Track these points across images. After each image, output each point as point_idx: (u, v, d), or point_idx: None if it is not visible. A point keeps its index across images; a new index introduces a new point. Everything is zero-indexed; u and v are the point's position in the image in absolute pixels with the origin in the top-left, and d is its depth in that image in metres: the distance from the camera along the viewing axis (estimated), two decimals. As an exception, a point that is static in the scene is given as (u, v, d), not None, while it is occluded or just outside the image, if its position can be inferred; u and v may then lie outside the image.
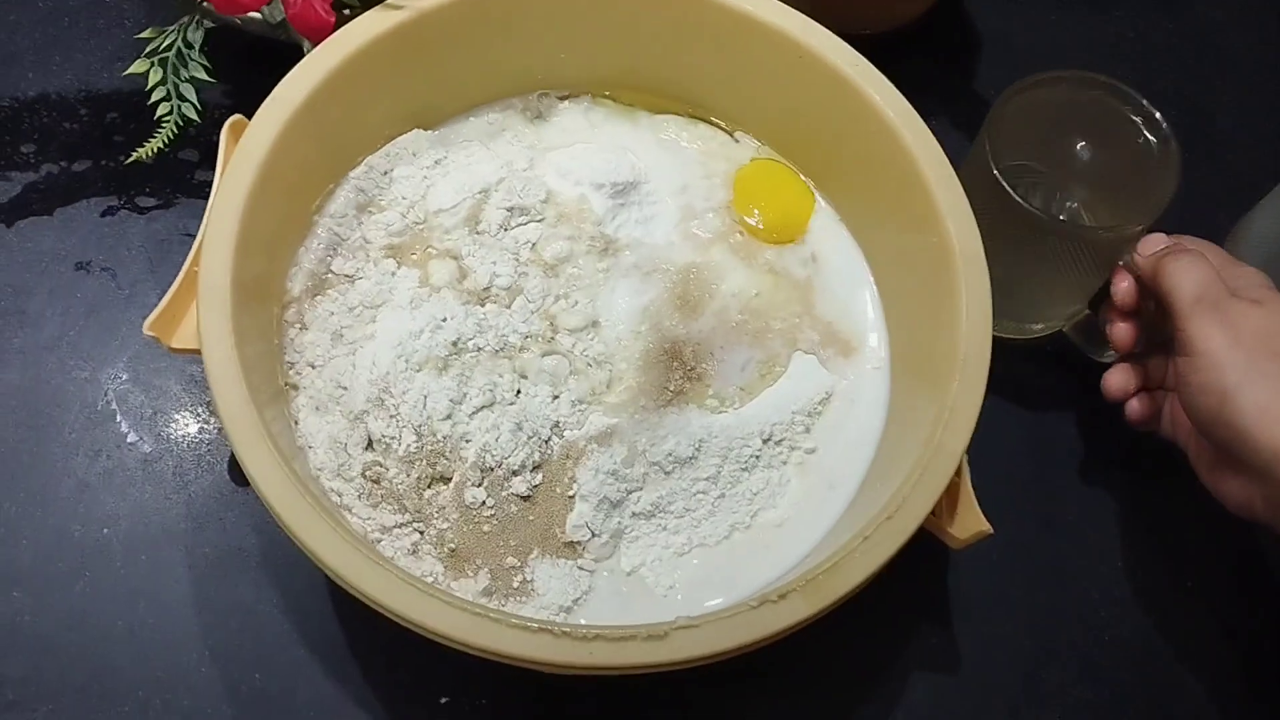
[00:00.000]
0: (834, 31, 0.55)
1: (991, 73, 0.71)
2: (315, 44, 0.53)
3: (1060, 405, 0.61)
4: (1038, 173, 0.57)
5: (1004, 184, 0.53)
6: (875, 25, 0.67)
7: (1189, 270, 0.49)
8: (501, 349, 0.52)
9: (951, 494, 0.48)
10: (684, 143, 0.60)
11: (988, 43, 0.72)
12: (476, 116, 0.59)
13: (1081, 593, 0.57)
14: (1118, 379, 0.55)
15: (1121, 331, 0.54)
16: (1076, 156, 0.57)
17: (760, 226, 0.57)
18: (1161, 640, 0.56)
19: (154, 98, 0.57)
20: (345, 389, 0.50)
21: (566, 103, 0.60)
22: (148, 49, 0.57)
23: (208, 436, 0.56)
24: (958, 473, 0.47)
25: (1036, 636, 0.56)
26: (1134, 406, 0.55)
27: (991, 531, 0.48)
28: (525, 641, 0.42)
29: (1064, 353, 0.61)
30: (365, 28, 0.52)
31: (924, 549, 0.47)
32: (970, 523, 0.48)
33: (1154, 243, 0.52)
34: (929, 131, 0.53)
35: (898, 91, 0.54)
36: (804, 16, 0.55)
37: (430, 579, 0.47)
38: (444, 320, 0.51)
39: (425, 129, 0.58)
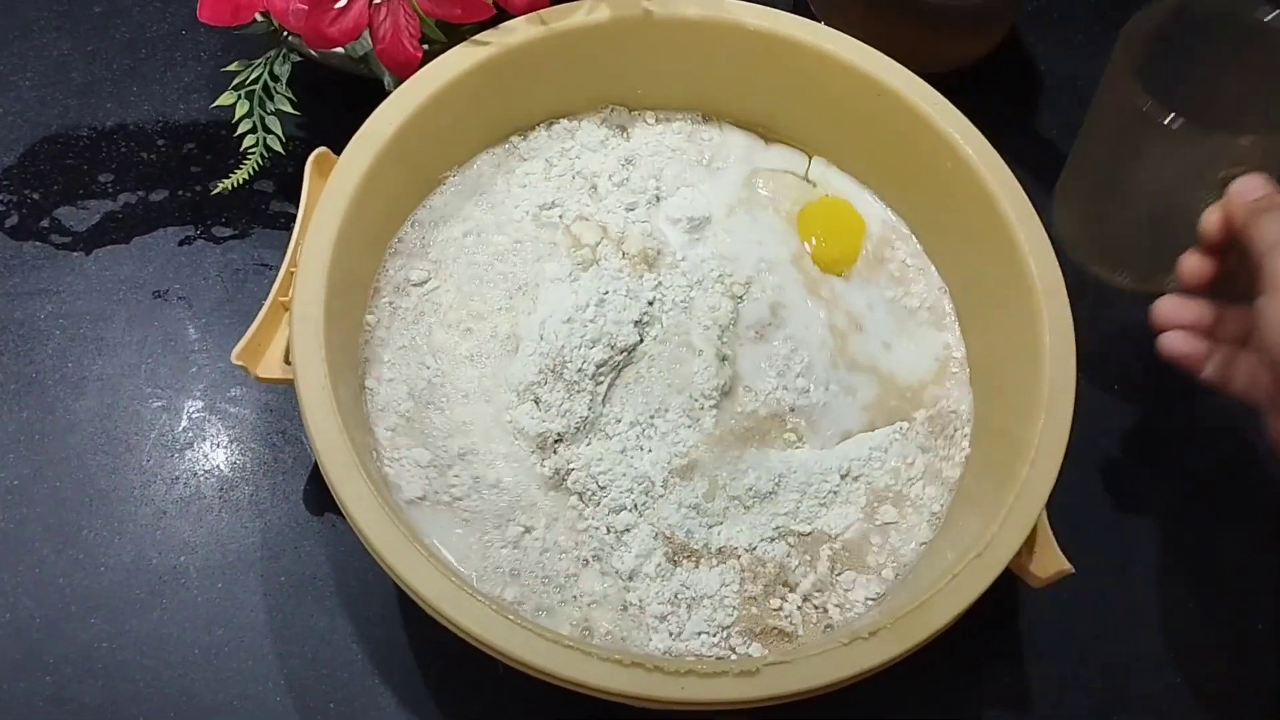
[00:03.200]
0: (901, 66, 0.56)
1: (1053, 112, 0.71)
2: (400, 79, 0.53)
3: (1138, 443, 0.61)
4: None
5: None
6: (940, 65, 0.67)
7: (1274, 224, 0.47)
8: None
9: (1032, 531, 0.48)
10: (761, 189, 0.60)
11: (1049, 82, 0.72)
12: (550, 130, 0.60)
13: (1156, 637, 0.56)
14: (1170, 304, 0.51)
15: (1194, 264, 0.51)
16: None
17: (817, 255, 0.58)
18: (1235, 689, 0.56)
19: (240, 129, 0.58)
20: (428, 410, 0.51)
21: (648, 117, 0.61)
22: (235, 82, 0.58)
23: (284, 465, 0.57)
24: (1038, 510, 0.47)
25: (1109, 680, 0.55)
26: (1176, 339, 0.51)
27: (1072, 570, 0.48)
28: (617, 676, 0.42)
29: (1143, 390, 0.61)
30: (452, 63, 0.53)
31: (996, 587, 0.47)
32: (1050, 561, 0.48)
33: (1253, 187, 0.49)
34: (1006, 167, 0.54)
35: (975, 128, 0.54)
36: (883, 55, 0.56)
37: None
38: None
39: (497, 147, 0.58)
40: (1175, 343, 0.51)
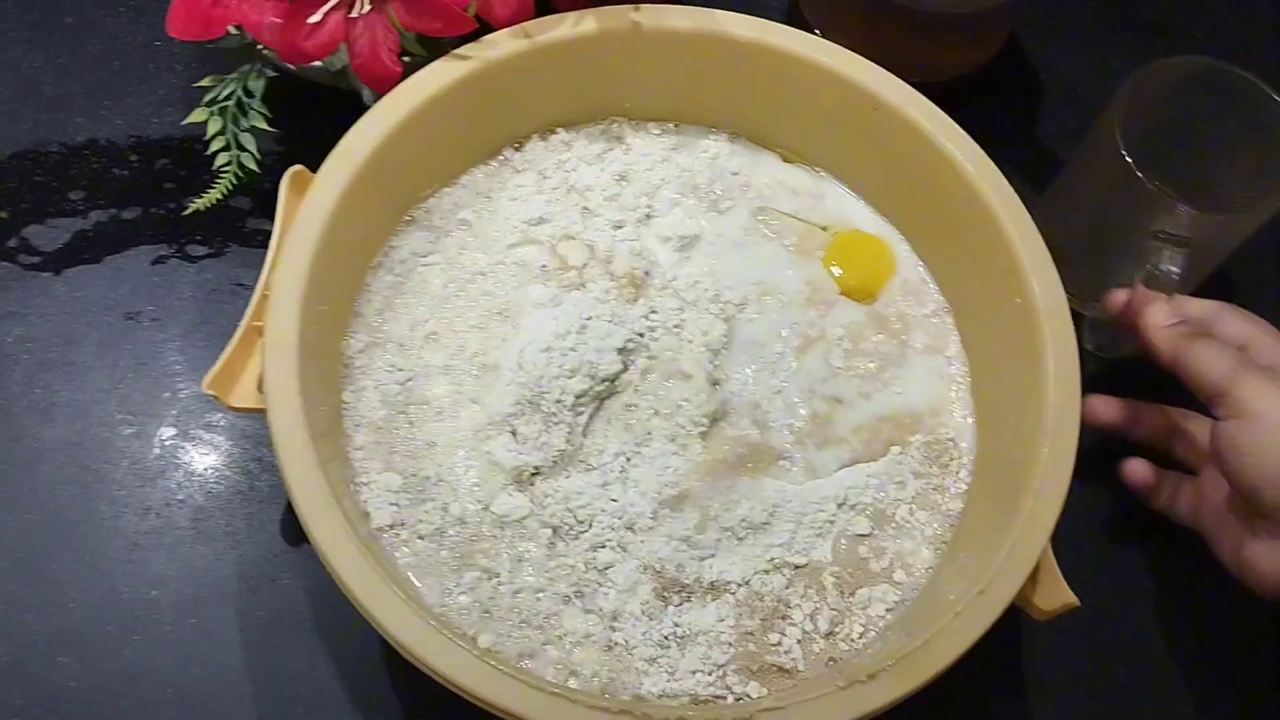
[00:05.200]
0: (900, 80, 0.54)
1: (1055, 120, 0.70)
2: (379, 94, 0.51)
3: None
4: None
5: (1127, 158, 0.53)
6: (939, 74, 0.66)
7: (1216, 355, 0.48)
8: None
9: (1036, 564, 0.46)
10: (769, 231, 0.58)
11: (1048, 90, 0.71)
12: (546, 140, 0.58)
13: (1162, 669, 0.55)
14: (1141, 470, 0.55)
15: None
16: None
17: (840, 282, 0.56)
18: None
19: (213, 147, 0.56)
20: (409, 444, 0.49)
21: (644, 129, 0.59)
22: (207, 98, 0.56)
23: (260, 493, 0.55)
24: (1043, 543, 0.46)
25: (1115, 713, 0.54)
26: (1138, 470, 0.55)
27: (1078, 604, 0.46)
28: (604, 723, 0.40)
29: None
30: (432, 78, 0.51)
31: (1000, 620, 0.45)
32: (1056, 594, 0.46)
33: (1160, 314, 0.51)
34: (1007, 184, 0.52)
35: (976, 145, 0.53)
36: (880, 69, 0.54)
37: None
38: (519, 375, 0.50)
39: (490, 161, 0.56)
40: (1141, 475, 0.55)
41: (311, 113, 0.59)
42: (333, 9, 0.50)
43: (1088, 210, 0.59)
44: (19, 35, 0.66)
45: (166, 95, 0.64)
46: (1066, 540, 0.47)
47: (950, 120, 0.53)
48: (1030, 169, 0.66)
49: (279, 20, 0.51)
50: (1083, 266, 0.58)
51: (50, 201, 0.61)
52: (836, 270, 0.56)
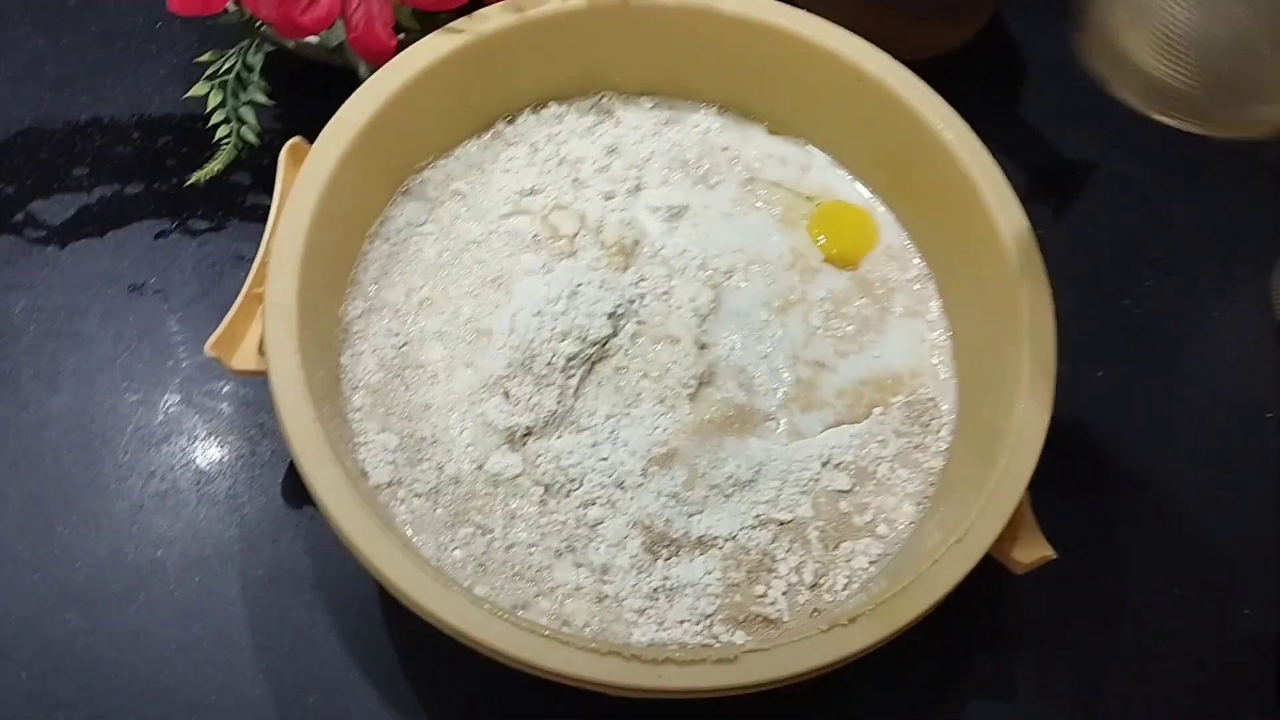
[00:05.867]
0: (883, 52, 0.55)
1: (1037, 98, 0.71)
2: (375, 67, 0.53)
3: (1123, 428, 0.61)
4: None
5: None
6: (923, 51, 0.67)
7: None
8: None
9: (1014, 517, 0.48)
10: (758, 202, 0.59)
11: (1032, 68, 0.72)
12: (538, 114, 0.59)
13: (1140, 622, 0.56)
14: None
15: None
16: None
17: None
18: (1220, 674, 0.55)
19: (214, 120, 0.57)
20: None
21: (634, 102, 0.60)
22: (208, 72, 0.57)
23: (261, 458, 0.56)
24: (1020, 496, 0.47)
25: (1093, 665, 0.55)
26: None
27: (1055, 556, 0.48)
28: (595, 665, 0.41)
29: (1128, 375, 0.61)
30: (426, 51, 0.53)
31: (980, 574, 0.46)
32: (1034, 547, 0.48)
33: None
34: (987, 153, 0.53)
35: (957, 115, 0.54)
36: (863, 41, 0.55)
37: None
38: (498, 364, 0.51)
39: (483, 134, 0.58)
40: None
41: (309, 89, 0.60)
42: (329, -16, 0.52)
43: None
44: (23, 17, 0.67)
45: (167, 74, 0.66)
46: (1047, 496, 0.49)
47: (931, 90, 0.54)
48: (1013, 146, 0.68)
49: (277, -5, 0.52)
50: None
51: (55, 177, 0.62)
52: (821, 239, 0.58)
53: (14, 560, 0.53)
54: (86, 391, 0.57)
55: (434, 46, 0.53)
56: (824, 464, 0.52)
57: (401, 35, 0.54)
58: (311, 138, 0.52)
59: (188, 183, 0.59)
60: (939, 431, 0.53)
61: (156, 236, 0.61)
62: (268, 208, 0.51)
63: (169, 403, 0.57)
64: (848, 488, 0.52)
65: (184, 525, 0.54)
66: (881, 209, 0.59)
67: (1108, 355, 0.62)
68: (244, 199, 0.63)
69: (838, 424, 0.53)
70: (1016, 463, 0.47)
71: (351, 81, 0.57)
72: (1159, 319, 0.64)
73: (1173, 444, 0.60)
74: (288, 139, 0.53)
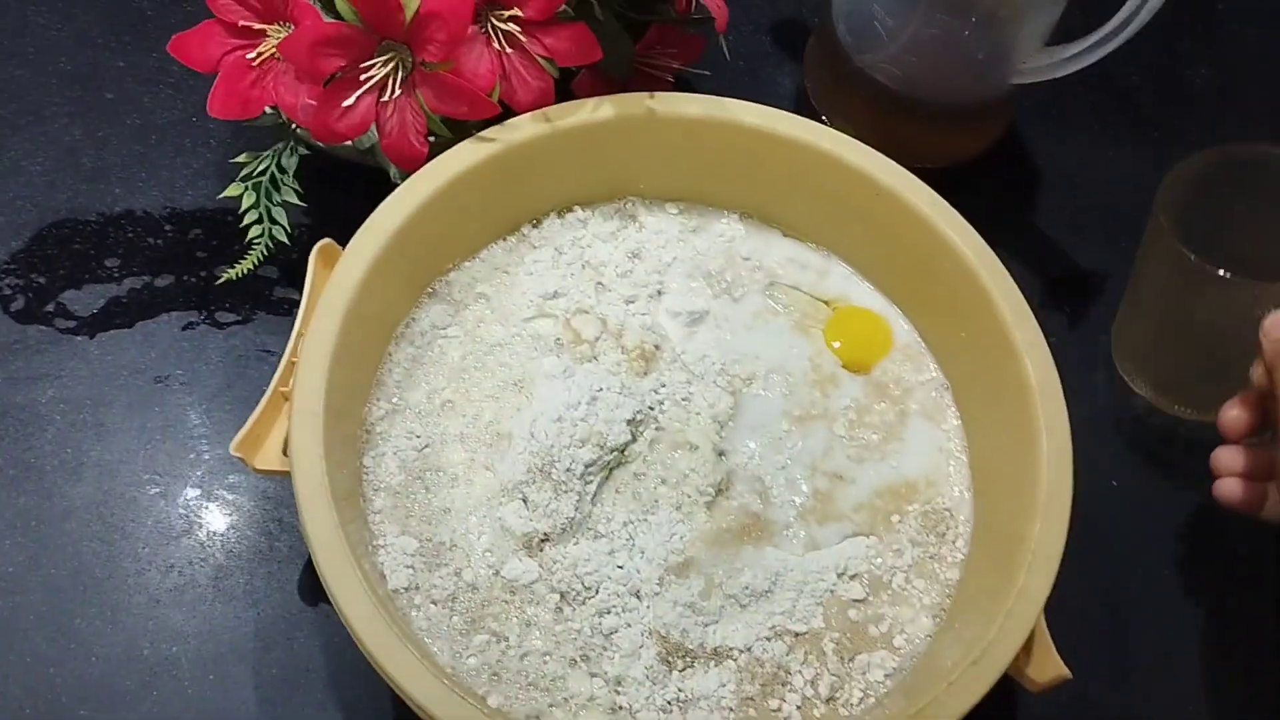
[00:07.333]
0: (904, 167, 0.57)
1: (1051, 207, 0.72)
2: (407, 173, 0.54)
3: (1139, 545, 0.61)
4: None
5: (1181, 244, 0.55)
6: (942, 159, 0.69)
7: None
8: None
9: (1030, 636, 0.48)
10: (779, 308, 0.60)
11: (1048, 177, 0.73)
12: (563, 218, 0.60)
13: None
14: (1225, 454, 0.53)
15: (1233, 417, 0.53)
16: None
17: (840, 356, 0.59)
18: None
19: (246, 220, 0.58)
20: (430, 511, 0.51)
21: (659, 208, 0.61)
22: (242, 173, 0.59)
23: (279, 554, 0.56)
24: (1036, 614, 0.47)
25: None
26: (1230, 486, 0.53)
27: (1070, 676, 0.47)
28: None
29: (1144, 493, 0.61)
30: (457, 159, 0.54)
31: (993, 690, 0.46)
32: (1049, 666, 0.48)
33: (1277, 325, 0.50)
34: (1003, 268, 0.54)
35: (972, 229, 0.55)
36: (880, 155, 0.57)
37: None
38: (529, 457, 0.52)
39: (508, 237, 0.59)
40: (1229, 490, 0.53)
41: (340, 186, 0.62)
42: (365, 93, 0.53)
43: (1189, 331, 0.60)
44: (60, 109, 0.69)
45: (201, 168, 0.67)
46: (1062, 613, 0.49)
47: (948, 205, 0.55)
48: (1027, 254, 0.69)
49: (313, 102, 0.54)
50: (1200, 384, 0.61)
51: (87, 268, 0.64)
52: (836, 344, 0.58)
53: (32, 653, 0.53)
54: (109, 483, 0.58)
55: (465, 154, 0.54)
56: (840, 574, 0.52)
57: (432, 140, 0.55)
58: (340, 234, 0.53)
59: (218, 281, 0.60)
60: (955, 542, 0.54)
61: (184, 328, 0.62)
62: (294, 302, 0.52)
63: (189, 496, 0.58)
64: (863, 597, 0.52)
65: (200, 621, 0.55)
66: (898, 316, 0.60)
67: (1122, 467, 0.63)
68: (271, 292, 0.64)
69: (854, 535, 0.53)
70: (1033, 583, 0.47)
71: (382, 180, 0.58)
72: (1174, 430, 0.64)
73: (1191, 560, 0.60)
74: (316, 235, 0.54)
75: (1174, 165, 0.58)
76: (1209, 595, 0.59)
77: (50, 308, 0.62)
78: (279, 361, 0.52)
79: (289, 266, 0.64)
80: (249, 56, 0.54)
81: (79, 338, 0.61)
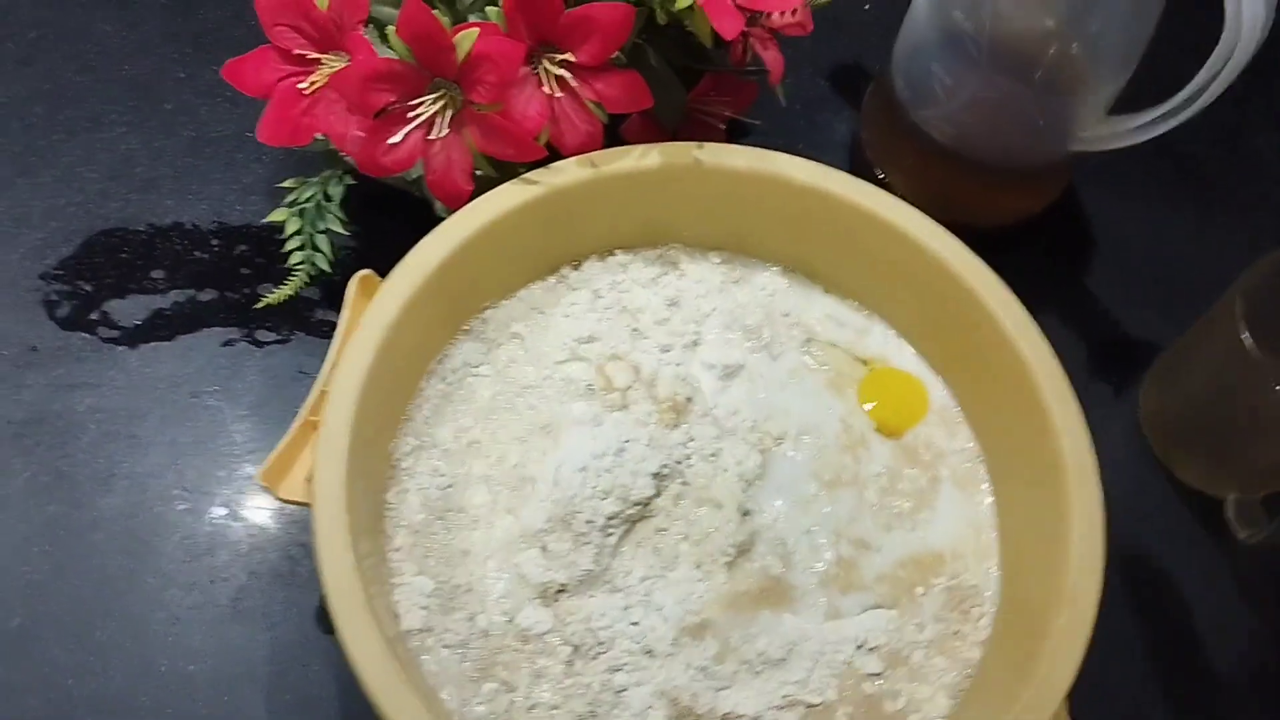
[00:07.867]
0: (955, 223, 0.56)
1: (1105, 272, 0.71)
2: (451, 209, 0.54)
3: (1164, 634, 0.59)
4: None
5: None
6: (996, 219, 0.68)
7: None
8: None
9: (1050, 725, 0.47)
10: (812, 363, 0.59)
11: (1102, 243, 0.72)
12: (604, 261, 0.60)
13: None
14: None
15: None
16: None
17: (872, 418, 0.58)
18: None
19: (289, 246, 0.59)
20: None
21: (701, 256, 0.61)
22: (288, 199, 0.59)
23: (300, 578, 0.57)
24: (1058, 707, 0.46)
25: None
26: None
27: (1091, 770, 0.46)
28: None
29: (1159, 585, 0.60)
30: (501, 200, 0.54)
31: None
32: (1068, 759, 0.47)
33: None
34: (1047, 345, 0.53)
35: (1018, 302, 0.54)
36: (929, 219, 0.56)
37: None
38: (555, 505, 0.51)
39: (547, 277, 0.59)
40: None
41: (385, 212, 0.62)
42: (413, 129, 0.53)
43: (1228, 416, 0.60)
44: (120, 117, 0.70)
45: (250, 184, 0.68)
46: (1085, 701, 0.48)
47: (997, 278, 0.54)
48: (1076, 319, 0.67)
49: (362, 134, 0.54)
50: (1212, 450, 0.61)
51: (133, 279, 0.64)
52: (870, 405, 0.58)
53: (50, 663, 0.54)
54: (138, 496, 0.58)
55: (509, 195, 0.54)
56: (858, 647, 0.51)
57: (478, 175, 0.55)
58: (384, 260, 0.53)
59: (259, 305, 0.60)
60: (979, 621, 0.53)
61: (223, 345, 0.63)
62: (332, 324, 0.52)
63: (216, 514, 0.58)
64: (879, 671, 0.51)
65: (218, 641, 0.55)
66: (935, 381, 0.59)
67: (1158, 548, 0.61)
68: (311, 314, 0.64)
69: (876, 606, 0.52)
70: (1056, 674, 0.46)
71: (425, 211, 0.59)
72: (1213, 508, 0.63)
73: (1215, 651, 0.58)
74: (360, 258, 0.54)
75: (1265, 250, 0.57)
76: (1241, 691, 0.58)
77: (94, 316, 0.63)
78: (314, 383, 0.52)
79: (331, 289, 0.64)
80: (300, 85, 0.55)
81: (120, 348, 0.62)
